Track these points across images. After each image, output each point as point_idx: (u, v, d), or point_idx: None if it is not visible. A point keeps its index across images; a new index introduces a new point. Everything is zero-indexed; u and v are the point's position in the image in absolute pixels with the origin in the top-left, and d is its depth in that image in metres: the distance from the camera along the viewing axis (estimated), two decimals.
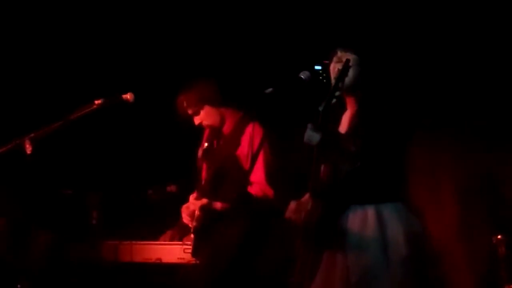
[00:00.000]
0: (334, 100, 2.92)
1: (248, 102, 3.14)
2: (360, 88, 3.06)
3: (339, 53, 3.08)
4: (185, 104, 4.16)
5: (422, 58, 4.79)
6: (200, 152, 4.24)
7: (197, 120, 4.19)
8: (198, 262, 4.16)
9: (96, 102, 3.63)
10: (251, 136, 3.98)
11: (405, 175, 3.00)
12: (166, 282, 4.44)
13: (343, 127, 3.12)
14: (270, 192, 4.02)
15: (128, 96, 3.69)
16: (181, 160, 5.24)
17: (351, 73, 2.99)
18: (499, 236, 4.25)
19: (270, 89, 3.00)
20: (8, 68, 5.26)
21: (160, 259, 4.60)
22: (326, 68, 3.09)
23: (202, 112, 4.17)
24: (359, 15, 4.84)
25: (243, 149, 4.05)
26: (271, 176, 4.03)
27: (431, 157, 4.83)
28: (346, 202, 2.95)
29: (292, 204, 3.06)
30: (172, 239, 4.96)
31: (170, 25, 5.44)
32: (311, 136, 2.88)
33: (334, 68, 3.06)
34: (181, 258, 4.52)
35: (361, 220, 2.91)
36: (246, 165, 3.99)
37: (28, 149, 3.48)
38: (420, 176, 4.74)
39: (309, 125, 2.89)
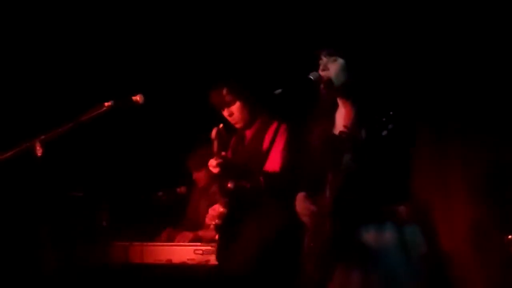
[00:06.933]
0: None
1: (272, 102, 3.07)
2: (351, 90, 3.02)
3: (324, 59, 3.03)
4: (224, 92, 4.01)
5: (429, 57, 4.78)
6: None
7: (227, 112, 4.04)
8: (210, 263, 4.07)
9: (106, 104, 3.64)
10: (275, 132, 3.86)
11: (411, 179, 2.98)
12: (176, 283, 4.44)
13: (338, 127, 3.08)
14: None
15: (138, 97, 3.69)
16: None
17: (338, 76, 2.97)
18: (510, 236, 4.24)
19: (279, 90, 2.99)
20: (18, 70, 5.28)
21: (170, 260, 4.61)
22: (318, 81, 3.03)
23: (237, 104, 4.02)
24: (353, 15, 4.82)
25: (265, 146, 3.92)
26: (285, 172, 3.84)
27: (440, 157, 4.81)
28: (360, 218, 2.92)
29: (300, 195, 3.04)
30: (168, 239, 4.99)
31: (180, 28, 5.45)
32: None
33: (324, 76, 3.00)
34: (191, 259, 4.53)
35: (376, 224, 2.90)
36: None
37: (39, 151, 3.50)
38: (430, 175, 4.73)
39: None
